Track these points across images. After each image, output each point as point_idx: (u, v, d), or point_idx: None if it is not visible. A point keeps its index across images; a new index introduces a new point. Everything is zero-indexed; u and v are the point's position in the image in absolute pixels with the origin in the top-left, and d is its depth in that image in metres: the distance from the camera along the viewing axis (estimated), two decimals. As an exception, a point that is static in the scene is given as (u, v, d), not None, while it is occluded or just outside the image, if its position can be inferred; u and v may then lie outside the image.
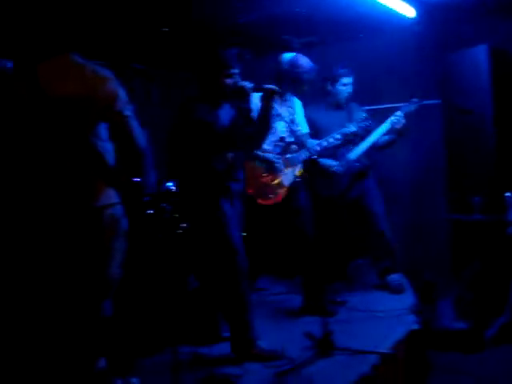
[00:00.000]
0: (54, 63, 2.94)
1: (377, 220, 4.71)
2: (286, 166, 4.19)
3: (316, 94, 4.74)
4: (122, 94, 2.95)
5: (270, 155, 4.14)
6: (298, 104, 4.39)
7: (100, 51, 4.57)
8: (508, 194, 4.48)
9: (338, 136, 4.30)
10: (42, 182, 2.97)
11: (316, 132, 4.54)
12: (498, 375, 3.84)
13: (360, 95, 4.88)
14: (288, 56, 4.25)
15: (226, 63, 3.47)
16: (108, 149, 3.02)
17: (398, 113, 4.58)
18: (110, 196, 3.01)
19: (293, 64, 4.18)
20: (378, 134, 4.63)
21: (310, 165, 4.06)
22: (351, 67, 4.70)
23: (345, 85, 4.68)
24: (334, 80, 4.69)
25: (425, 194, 5.28)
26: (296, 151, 4.25)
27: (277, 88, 3.49)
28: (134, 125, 2.96)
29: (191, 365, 3.50)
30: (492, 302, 4.43)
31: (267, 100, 3.50)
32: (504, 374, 3.83)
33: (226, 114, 3.58)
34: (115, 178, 3.04)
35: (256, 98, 3.68)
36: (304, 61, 4.21)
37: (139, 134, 2.98)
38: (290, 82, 4.17)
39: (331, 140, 4.29)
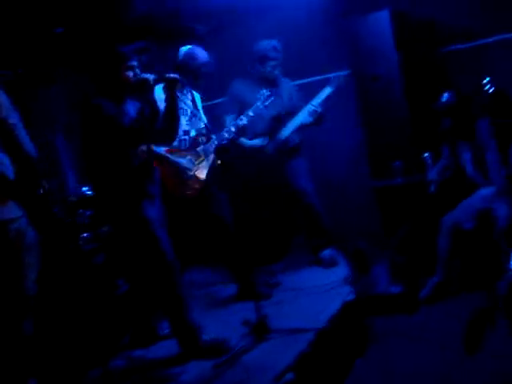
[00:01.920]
0: None
1: (306, 197, 4.72)
2: (198, 159, 4.11)
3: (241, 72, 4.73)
4: (5, 101, 2.88)
5: (178, 159, 4.02)
6: (197, 97, 4.33)
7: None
8: (426, 155, 4.55)
9: (233, 129, 4.24)
10: None
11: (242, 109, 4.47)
12: (434, 332, 3.90)
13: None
14: (184, 49, 4.17)
15: (124, 56, 3.37)
16: (3, 161, 2.92)
17: (313, 103, 4.57)
18: (13, 210, 2.93)
19: (189, 56, 4.11)
20: (298, 119, 4.64)
21: (223, 152, 4.00)
22: (278, 40, 4.62)
23: (274, 65, 4.61)
24: (263, 60, 4.61)
25: (348, 165, 5.31)
26: (205, 143, 4.18)
27: (178, 77, 3.42)
28: (21, 133, 2.93)
29: (128, 370, 3.42)
30: (423, 262, 4.51)
31: (171, 89, 3.45)
32: (439, 331, 3.89)
33: (131, 108, 3.49)
34: (15, 191, 2.95)
35: (159, 90, 3.60)
36: (201, 53, 4.15)
37: (26, 142, 2.95)
38: (187, 75, 4.09)
39: (225, 134, 4.22)
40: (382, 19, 4.68)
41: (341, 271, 4.45)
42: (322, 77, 4.85)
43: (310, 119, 4.62)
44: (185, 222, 4.20)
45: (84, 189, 4.06)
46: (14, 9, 3.86)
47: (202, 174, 4.09)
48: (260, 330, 3.44)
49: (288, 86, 4.83)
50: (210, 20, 5.23)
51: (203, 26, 5.30)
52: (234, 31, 5.39)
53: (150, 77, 3.37)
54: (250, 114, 4.27)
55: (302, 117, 4.64)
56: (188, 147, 4.11)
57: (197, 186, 4.04)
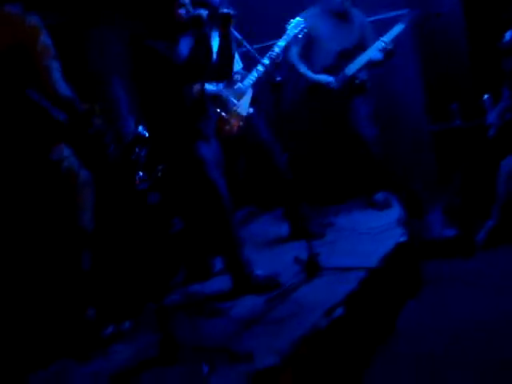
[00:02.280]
0: None
1: (367, 142, 4.64)
2: (238, 97, 4.09)
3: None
4: (51, 45, 2.98)
5: (216, 90, 4.00)
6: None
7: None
8: (486, 97, 4.42)
9: (273, 53, 4.11)
10: None
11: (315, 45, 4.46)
12: (489, 278, 3.86)
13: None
14: None
15: None
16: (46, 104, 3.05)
17: (384, 39, 4.40)
18: (62, 150, 3.04)
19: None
20: (367, 55, 4.50)
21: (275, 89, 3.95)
22: None
23: None
24: None
25: (404, 107, 5.19)
26: (240, 80, 4.14)
27: (233, 11, 3.37)
28: (58, 78, 2.99)
29: (185, 303, 3.52)
30: (480, 206, 4.43)
31: (225, 26, 3.38)
32: (494, 277, 3.85)
33: (184, 47, 3.47)
34: (65, 131, 3.06)
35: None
36: None
37: (62, 87, 3.00)
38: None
39: (266, 61, 4.07)
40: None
41: (394, 213, 4.40)
42: (386, 16, 4.67)
43: (380, 56, 4.46)
44: (238, 161, 4.24)
45: (140, 128, 4.10)
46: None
47: (243, 110, 4.08)
48: (312, 268, 3.47)
49: (360, 19, 4.64)
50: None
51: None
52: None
53: (204, 13, 3.31)
54: (281, 43, 4.13)
55: (372, 53, 4.47)
56: (224, 86, 4.08)
57: (240, 123, 4.03)
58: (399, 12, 4.55)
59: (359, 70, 4.57)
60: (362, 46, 4.55)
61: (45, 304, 3.13)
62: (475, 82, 4.56)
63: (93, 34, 5.42)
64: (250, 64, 4.22)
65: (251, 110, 4.18)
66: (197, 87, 3.50)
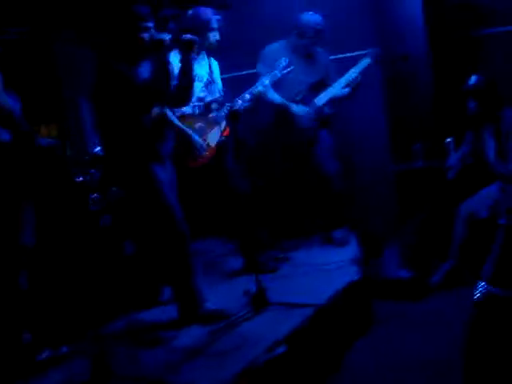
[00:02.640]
0: None
1: (330, 178, 4.64)
2: (210, 126, 4.07)
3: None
4: None
5: (189, 128, 3.97)
6: (214, 64, 4.26)
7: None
8: (448, 140, 4.45)
9: (247, 96, 4.15)
10: None
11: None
12: (441, 319, 3.84)
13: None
14: (189, 11, 4.08)
15: (140, 17, 3.33)
16: None
17: (349, 74, 4.50)
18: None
19: (192, 16, 4.00)
20: (336, 87, 4.57)
21: (234, 118, 3.92)
22: (318, 14, 4.54)
23: (314, 29, 4.53)
24: (303, 34, 4.54)
25: (367, 145, 5.21)
26: (217, 109, 4.13)
27: (195, 38, 3.37)
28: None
29: (128, 331, 3.43)
30: (436, 248, 4.43)
31: (186, 52, 3.41)
32: (445, 318, 3.83)
33: (145, 70, 3.45)
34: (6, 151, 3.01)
35: (174, 53, 3.55)
36: (203, 10, 4.01)
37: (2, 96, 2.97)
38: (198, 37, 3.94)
39: (239, 101, 4.12)
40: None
41: (351, 251, 4.38)
42: (352, 54, 4.73)
43: (344, 91, 4.57)
44: (196, 190, 4.18)
45: (97, 149, 4.06)
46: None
47: (212, 141, 4.04)
48: (259, 302, 3.41)
49: (324, 57, 4.73)
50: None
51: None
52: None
53: (166, 37, 3.32)
54: (266, 82, 4.18)
55: (337, 88, 4.56)
56: (200, 114, 4.06)
57: (207, 153, 4.00)
58: (365, 51, 4.57)
59: (326, 104, 4.60)
60: (326, 82, 4.62)
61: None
62: (439, 124, 4.59)
63: (58, 50, 5.40)
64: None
65: (223, 138, 4.13)
66: (156, 110, 3.47)
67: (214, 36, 4.01)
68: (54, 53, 5.54)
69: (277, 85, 4.39)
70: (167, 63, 3.34)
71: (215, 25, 3.99)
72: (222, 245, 4.96)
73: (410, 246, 4.54)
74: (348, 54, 4.78)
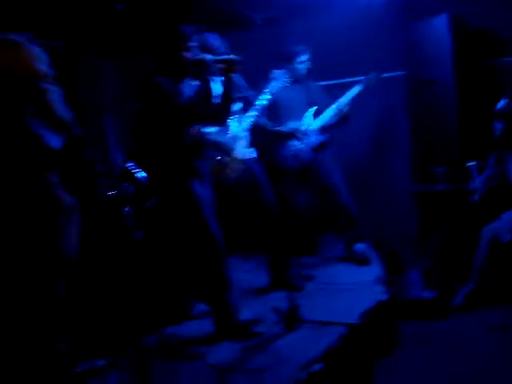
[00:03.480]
0: None
1: (336, 191, 4.72)
2: (236, 141, 4.13)
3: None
4: (49, 71, 3.05)
5: (217, 137, 4.05)
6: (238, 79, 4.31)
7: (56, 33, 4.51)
8: (471, 164, 4.51)
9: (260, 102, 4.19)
10: None
11: (276, 107, 4.53)
12: (464, 340, 3.88)
13: (322, 69, 4.86)
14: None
15: (185, 36, 3.40)
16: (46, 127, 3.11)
17: (342, 100, 4.62)
18: (49, 176, 3.08)
19: (202, 45, 4.08)
20: (326, 116, 4.69)
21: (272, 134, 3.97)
22: (306, 44, 4.68)
23: (302, 62, 4.67)
24: (290, 59, 4.66)
25: (390, 166, 5.29)
26: (239, 123, 4.16)
27: (238, 58, 3.43)
28: (56, 99, 3.05)
29: (162, 346, 3.47)
30: (458, 270, 4.48)
31: (228, 71, 3.45)
32: (467, 340, 3.87)
33: (187, 88, 3.52)
34: (55, 157, 3.09)
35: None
36: (212, 40, 4.09)
37: (61, 108, 3.07)
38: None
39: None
40: (440, 24, 4.67)
41: (374, 270, 4.43)
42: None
43: (335, 118, 4.68)
44: (227, 206, 4.23)
45: (129, 164, 4.10)
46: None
47: (240, 154, 4.10)
48: (291, 319, 3.45)
49: (314, 85, 4.87)
50: (268, 10, 5.23)
51: (260, 14, 5.30)
52: (290, 25, 5.38)
53: (208, 57, 3.39)
54: (268, 90, 4.22)
55: (327, 116, 4.69)
56: (227, 129, 4.13)
57: (239, 166, 4.06)
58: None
59: (318, 131, 4.73)
60: (318, 110, 4.74)
61: (14, 333, 3.08)
62: (462, 147, 4.65)
63: (86, 62, 5.48)
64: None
65: (252, 154, 4.22)
66: (196, 128, 3.53)
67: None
68: (78, 65, 5.63)
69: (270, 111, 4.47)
70: (209, 82, 3.39)
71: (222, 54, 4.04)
72: (247, 260, 5.02)
73: (433, 266, 4.59)
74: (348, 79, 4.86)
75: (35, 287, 3.04)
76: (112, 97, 5.78)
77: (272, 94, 4.24)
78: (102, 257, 3.72)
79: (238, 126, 4.14)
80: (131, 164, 4.12)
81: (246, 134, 4.17)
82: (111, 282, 3.69)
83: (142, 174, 4.08)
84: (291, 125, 4.70)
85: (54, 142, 3.20)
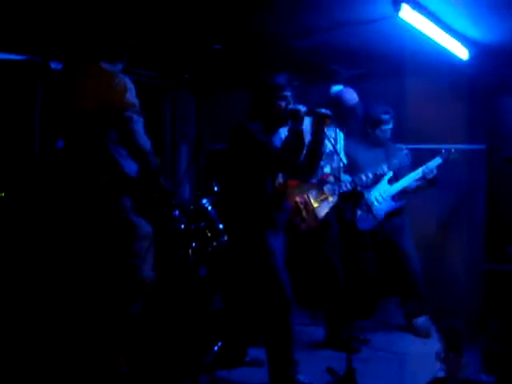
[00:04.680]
0: (86, 71, 3.29)
1: (408, 259, 4.62)
2: (321, 197, 4.12)
3: (357, 129, 4.73)
4: (136, 102, 3.25)
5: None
6: (340, 136, 4.35)
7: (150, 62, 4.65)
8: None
9: (370, 175, 4.26)
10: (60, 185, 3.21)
11: (352, 167, 4.49)
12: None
13: (404, 133, 4.85)
14: (336, 88, 4.20)
15: (279, 86, 3.43)
16: (124, 154, 3.18)
17: (431, 164, 4.55)
18: (123, 200, 3.16)
19: (338, 97, 4.13)
20: (409, 178, 4.64)
21: (355, 197, 3.97)
22: (392, 112, 4.66)
23: (384, 131, 4.65)
24: (374, 125, 4.66)
25: (463, 240, 5.18)
26: (332, 183, 4.20)
27: (330, 113, 3.43)
28: (137, 126, 3.21)
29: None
30: (520, 357, 4.30)
31: (319, 124, 3.43)
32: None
33: (278, 138, 3.54)
34: (130, 183, 3.19)
35: (307, 123, 3.62)
36: (350, 96, 4.16)
37: (141, 136, 3.23)
38: (334, 114, 4.05)
39: (364, 178, 4.27)
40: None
41: (433, 344, 4.27)
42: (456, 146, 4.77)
43: (417, 183, 4.64)
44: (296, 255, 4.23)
45: (204, 201, 4.14)
46: (181, 20, 4.00)
47: (321, 212, 4.09)
48: (347, 383, 3.36)
49: (395, 148, 4.80)
50: (358, 67, 5.26)
51: (348, 70, 5.34)
52: (378, 81, 5.39)
53: (302, 108, 3.38)
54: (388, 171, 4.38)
55: (408, 180, 4.63)
56: (316, 182, 4.13)
57: (313, 223, 4.04)
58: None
59: (397, 195, 4.68)
60: (399, 173, 4.69)
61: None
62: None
63: (174, 96, 5.61)
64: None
65: (329, 215, 4.21)
66: (280, 178, 3.53)
67: (351, 122, 4.21)
68: (166, 98, 5.79)
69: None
70: (301, 133, 3.39)
71: (356, 113, 4.13)
72: (303, 315, 4.95)
73: (493, 349, 4.42)
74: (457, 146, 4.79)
75: (112, 304, 3.13)
76: (191, 133, 5.91)
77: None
78: (167, 287, 3.75)
79: (333, 187, 4.18)
80: (205, 201, 4.16)
81: (335, 198, 4.20)
82: (171, 312, 3.71)
83: (214, 212, 4.13)
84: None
85: (131, 168, 3.30)
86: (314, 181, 4.13)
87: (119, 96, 3.22)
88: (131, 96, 3.28)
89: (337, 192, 4.15)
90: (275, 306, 3.38)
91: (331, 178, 4.18)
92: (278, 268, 3.40)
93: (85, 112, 3.21)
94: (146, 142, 3.30)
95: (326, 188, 4.14)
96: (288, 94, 3.44)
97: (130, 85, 3.30)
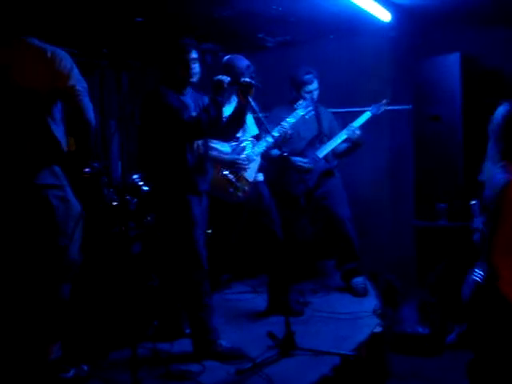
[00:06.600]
0: (12, 48, 3.03)
1: (341, 221, 4.69)
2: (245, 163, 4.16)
3: (284, 95, 4.77)
4: (75, 71, 3.05)
5: (230, 156, 4.10)
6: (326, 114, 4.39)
7: (71, 37, 4.53)
8: (473, 202, 4.51)
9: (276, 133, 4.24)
10: None
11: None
12: (454, 380, 3.86)
13: (331, 96, 4.91)
14: (226, 57, 4.18)
15: (185, 47, 3.46)
16: (60, 131, 3.11)
17: (353, 124, 4.63)
18: (57, 177, 3.07)
19: (228, 65, 4.10)
20: (336, 141, 4.70)
21: (281, 161, 3.99)
22: (315, 72, 4.67)
23: (309, 92, 4.66)
24: (298, 87, 4.68)
25: (391, 199, 5.31)
26: (251, 148, 4.22)
27: (254, 82, 3.45)
28: (85, 100, 3.04)
29: (150, 361, 3.43)
30: (453, 307, 4.46)
31: (243, 94, 3.47)
32: (457, 378, 3.84)
33: (191, 99, 3.57)
34: (65, 160, 3.09)
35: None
36: (239, 61, 4.09)
37: (89, 109, 3.06)
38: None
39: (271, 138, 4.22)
40: (452, 62, 4.69)
41: (370, 302, 4.41)
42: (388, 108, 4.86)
43: (347, 143, 4.71)
44: (227, 227, 4.25)
45: (134, 176, 4.10)
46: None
47: (250, 176, 4.13)
48: (286, 346, 3.43)
49: (325, 112, 4.90)
50: (283, 34, 5.27)
51: (274, 38, 5.35)
52: (303, 49, 5.42)
53: (225, 79, 3.42)
54: (291, 120, 4.29)
55: (339, 140, 4.70)
56: (234, 150, 4.16)
57: (246, 188, 4.08)
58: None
59: (328, 155, 4.76)
60: (329, 135, 4.79)
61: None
62: (466, 185, 4.66)
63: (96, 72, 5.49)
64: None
65: (259, 178, 4.26)
66: (199, 143, 3.54)
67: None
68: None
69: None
70: (222, 104, 3.41)
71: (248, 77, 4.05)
72: (245, 282, 5.01)
73: (428, 302, 4.57)
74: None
75: (37, 288, 3.05)
76: (119, 108, 5.79)
77: (292, 123, 4.28)
78: (100, 266, 3.70)
79: (253, 149, 4.18)
80: (136, 177, 4.13)
81: (258, 157, 4.20)
82: (106, 290, 3.67)
83: (145, 188, 4.10)
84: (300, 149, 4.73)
85: (62, 136, 3.17)
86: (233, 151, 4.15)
87: (59, 67, 3.00)
88: (70, 63, 3.08)
89: (257, 154, 4.19)
90: (190, 273, 3.45)
91: (248, 144, 4.20)
92: (197, 238, 3.46)
93: (26, 88, 3.03)
94: (92, 116, 3.12)
95: (247, 154, 4.16)
96: (195, 56, 3.48)
97: (64, 53, 3.13)
